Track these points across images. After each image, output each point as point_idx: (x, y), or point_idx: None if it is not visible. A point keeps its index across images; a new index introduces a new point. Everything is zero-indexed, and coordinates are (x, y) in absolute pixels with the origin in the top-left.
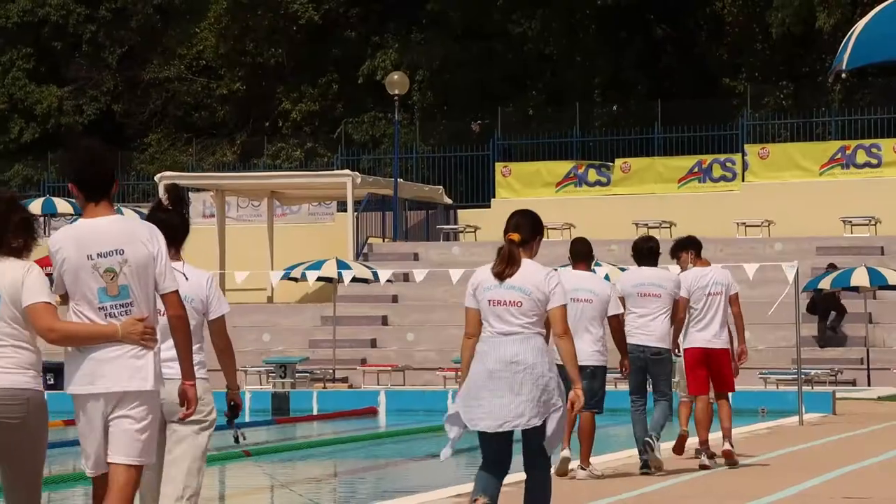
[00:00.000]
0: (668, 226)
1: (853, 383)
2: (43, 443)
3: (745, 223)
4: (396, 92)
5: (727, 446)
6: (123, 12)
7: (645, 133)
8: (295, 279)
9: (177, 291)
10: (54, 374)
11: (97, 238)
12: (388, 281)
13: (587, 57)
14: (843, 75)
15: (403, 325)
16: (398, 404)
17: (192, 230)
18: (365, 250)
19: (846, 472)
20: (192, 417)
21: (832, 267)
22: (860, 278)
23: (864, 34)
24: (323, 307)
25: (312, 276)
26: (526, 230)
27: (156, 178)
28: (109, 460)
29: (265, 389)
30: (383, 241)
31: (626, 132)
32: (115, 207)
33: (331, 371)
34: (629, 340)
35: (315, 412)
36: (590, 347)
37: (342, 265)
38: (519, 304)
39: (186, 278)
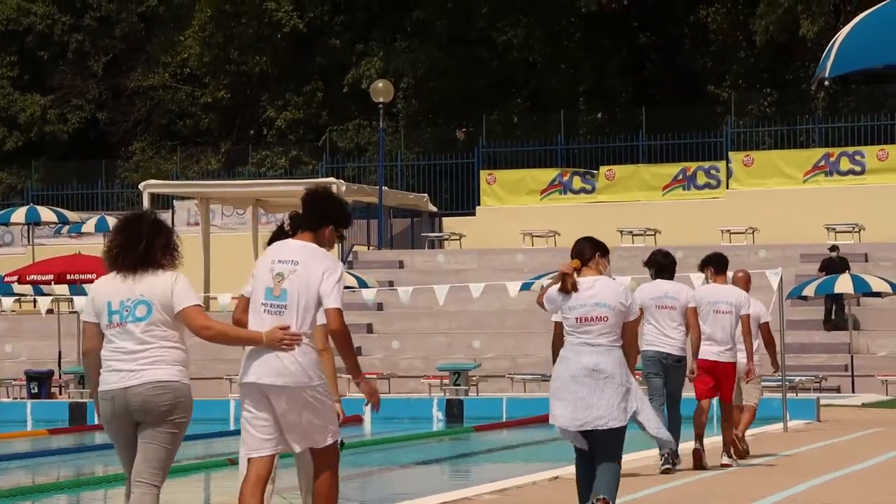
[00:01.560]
0: (652, 233)
1: (837, 390)
2: (183, 431)
3: (729, 230)
4: (381, 100)
5: (725, 459)
6: (108, 21)
7: (629, 140)
8: None
9: (339, 309)
10: (38, 382)
11: (284, 250)
12: (371, 298)
13: (571, 64)
14: (826, 83)
15: (388, 332)
16: (383, 412)
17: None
18: (350, 258)
19: (830, 479)
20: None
21: (835, 249)
22: (844, 285)
23: (847, 42)
24: None
25: None
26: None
27: (140, 187)
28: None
29: None
30: (368, 248)
31: (610, 139)
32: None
33: None
34: (649, 348)
35: None
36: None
37: None
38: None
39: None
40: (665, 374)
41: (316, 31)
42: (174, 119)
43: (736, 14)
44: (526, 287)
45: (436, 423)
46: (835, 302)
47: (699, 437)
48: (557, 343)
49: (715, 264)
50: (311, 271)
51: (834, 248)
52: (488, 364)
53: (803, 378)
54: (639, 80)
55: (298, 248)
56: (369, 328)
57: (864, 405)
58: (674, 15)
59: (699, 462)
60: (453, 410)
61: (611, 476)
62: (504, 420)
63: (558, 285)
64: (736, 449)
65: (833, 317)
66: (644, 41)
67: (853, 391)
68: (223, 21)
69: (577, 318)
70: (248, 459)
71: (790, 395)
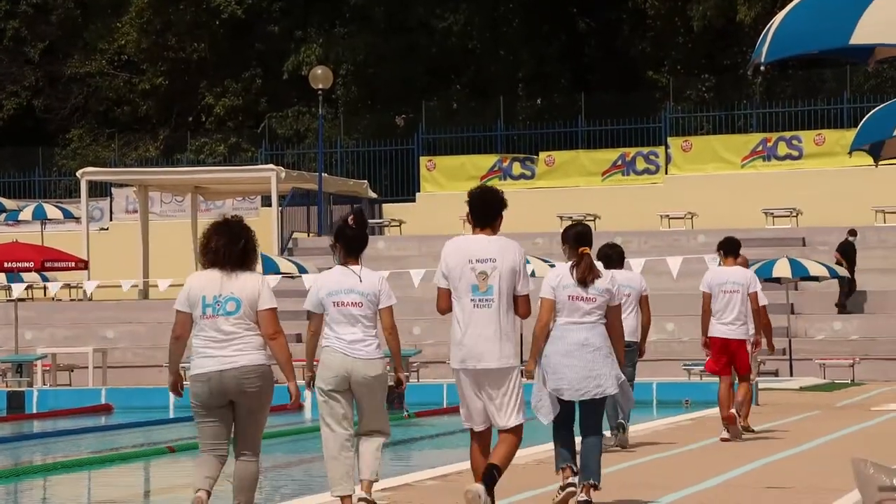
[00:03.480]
0: (592, 218)
1: (775, 374)
2: (268, 406)
3: (668, 215)
4: (320, 86)
5: (733, 411)
6: (44, 7)
7: (568, 126)
8: None
9: (526, 297)
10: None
11: (476, 248)
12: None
13: (510, 51)
14: (762, 68)
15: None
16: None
17: (114, 226)
18: (290, 245)
19: (769, 462)
20: (374, 389)
21: (854, 233)
22: (782, 269)
23: (783, 27)
24: None
25: None
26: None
27: (78, 174)
28: (504, 423)
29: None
30: (308, 235)
31: (549, 125)
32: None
33: None
34: None
35: None
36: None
37: (267, 260)
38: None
39: (361, 280)
40: None
41: (254, 18)
42: (112, 106)
43: (674, 0)
44: None
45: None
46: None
47: (740, 411)
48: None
49: (725, 248)
50: (506, 265)
51: (853, 232)
52: (429, 350)
53: None
54: (578, 65)
55: (490, 246)
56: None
57: (802, 389)
58: (612, 1)
59: (734, 426)
60: (393, 397)
61: (597, 456)
62: (444, 406)
63: (570, 275)
64: (743, 430)
65: (844, 300)
66: (583, 27)
67: (791, 375)
68: (161, 7)
69: (568, 296)
70: (474, 431)
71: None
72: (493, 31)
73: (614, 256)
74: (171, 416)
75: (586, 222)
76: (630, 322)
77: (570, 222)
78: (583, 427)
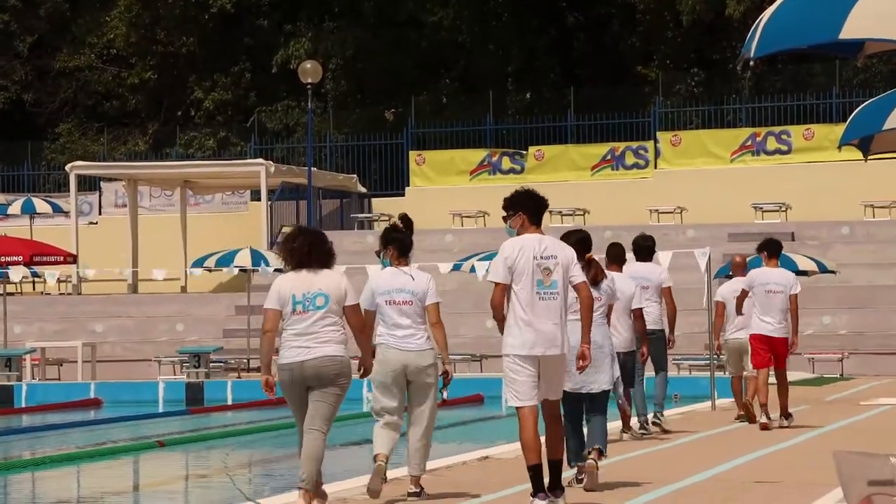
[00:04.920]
0: (581, 213)
1: None
2: (345, 392)
3: (657, 210)
4: (310, 80)
5: (784, 421)
6: (33, 1)
7: (558, 121)
8: (209, 269)
9: (585, 282)
10: None
11: (538, 247)
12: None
13: (500, 45)
14: (752, 63)
15: None
16: None
17: (103, 220)
18: (279, 239)
19: (758, 457)
20: (426, 378)
21: None
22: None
23: (772, 22)
24: (237, 296)
25: (230, 272)
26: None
27: (67, 168)
28: (547, 397)
29: (179, 379)
30: None
31: (539, 120)
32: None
33: (245, 360)
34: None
35: (229, 402)
36: (617, 338)
37: (256, 255)
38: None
39: (413, 278)
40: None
41: (243, 12)
42: (101, 100)
43: None
44: (456, 267)
45: (365, 403)
46: None
47: (764, 406)
48: None
49: (768, 249)
50: (564, 260)
51: None
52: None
53: None
54: (567, 60)
55: (549, 244)
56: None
57: (791, 383)
58: None
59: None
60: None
61: (601, 428)
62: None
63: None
64: (749, 414)
65: None
66: (572, 21)
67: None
68: (149, 1)
69: (575, 298)
70: (522, 408)
71: (718, 373)
72: (482, 26)
73: (645, 249)
74: (161, 410)
75: (583, 228)
76: (653, 312)
77: (559, 217)
78: (587, 413)
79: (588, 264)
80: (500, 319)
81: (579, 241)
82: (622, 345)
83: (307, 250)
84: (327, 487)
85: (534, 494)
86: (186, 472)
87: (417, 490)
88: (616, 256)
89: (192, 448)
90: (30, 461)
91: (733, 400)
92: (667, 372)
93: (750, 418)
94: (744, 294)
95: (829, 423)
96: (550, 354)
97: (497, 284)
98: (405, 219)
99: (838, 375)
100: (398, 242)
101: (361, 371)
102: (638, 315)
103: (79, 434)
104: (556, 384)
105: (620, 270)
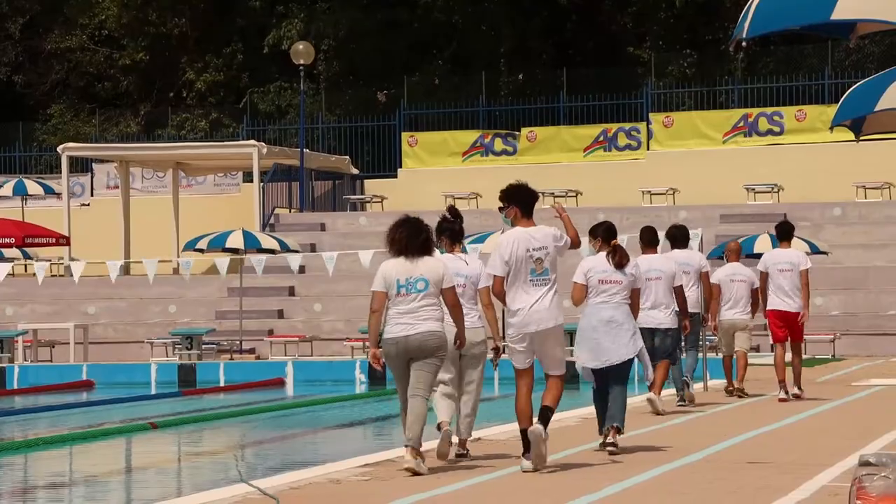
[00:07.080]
0: (574, 194)
1: (756, 349)
2: (441, 363)
3: (650, 191)
4: (302, 62)
5: (796, 390)
6: None
7: (550, 102)
8: (201, 251)
9: (568, 240)
10: None
11: (529, 239)
12: (296, 265)
13: (492, 26)
14: (744, 44)
15: (310, 295)
16: (305, 375)
17: (96, 202)
18: (272, 221)
19: (750, 437)
20: (477, 352)
21: None
22: (763, 245)
23: (764, 3)
24: (229, 278)
25: (221, 258)
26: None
27: (59, 150)
28: (548, 372)
29: (171, 361)
30: (290, 211)
31: (531, 101)
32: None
33: (237, 342)
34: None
35: (222, 384)
36: (663, 314)
37: (249, 236)
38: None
39: (467, 263)
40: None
41: None
42: (92, 81)
43: None
44: None
45: (358, 385)
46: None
47: (782, 382)
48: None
49: (778, 232)
50: (552, 249)
51: None
52: None
53: None
54: (559, 40)
55: (539, 235)
56: (291, 291)
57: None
58: None
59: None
60: (376, 373)
61: (620, 404)
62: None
63: (602, 263)
64: (736, 390)
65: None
66: (564, 2)
67: (772, 350)
68: None
69: (598, 280)
70: (519, 372)
71: (710, 354)
72: (474, 6)
73: (679, 236)
74: (153, 392)
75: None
76: (693, 295)
77: (552, 198)
78: (609, 383)
79: (614, 250)
80: (504, 301)
81: (606, 229)
82: (671, 321)
83: (404, 240)
84: (318, 468)
85: (524, 454)
86: (179, 454)
87: (465, 451)
88: (649, 240)
89: (184, 429)
90: (22, 443)
91: (724, 381)
92: (697, 350)
93: (738, 393)
94: (763, 277)
95: (821, 405)
96: (542, 329)
97: (496, 277)
98: (453, 209)
99: (830, 356)
100: (449, 232)
101: (457, 343)
102: (679, 292)
103: (71, 416)
104: (550, 358)
105: (655, 252)
